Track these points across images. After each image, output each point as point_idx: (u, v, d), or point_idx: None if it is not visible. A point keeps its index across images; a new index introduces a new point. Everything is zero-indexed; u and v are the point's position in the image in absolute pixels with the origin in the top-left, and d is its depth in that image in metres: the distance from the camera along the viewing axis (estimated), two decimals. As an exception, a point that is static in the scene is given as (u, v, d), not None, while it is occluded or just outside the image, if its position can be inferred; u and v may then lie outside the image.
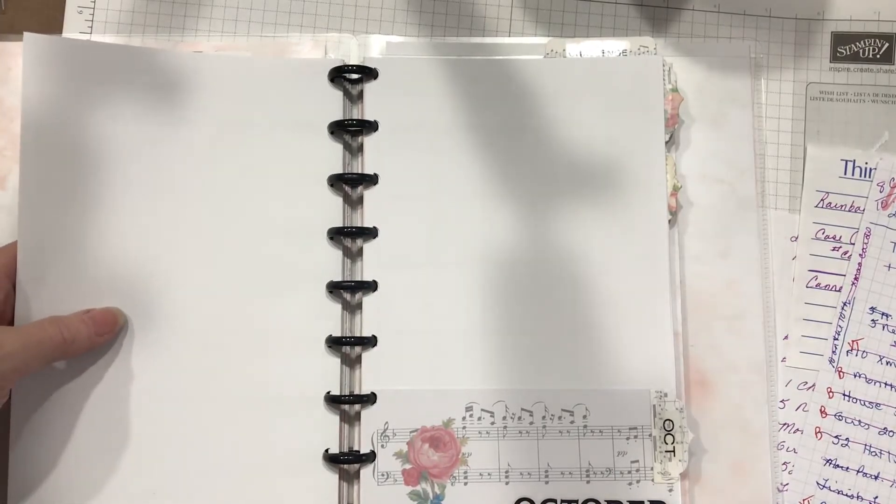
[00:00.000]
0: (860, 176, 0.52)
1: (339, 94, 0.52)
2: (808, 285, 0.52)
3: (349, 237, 0.51)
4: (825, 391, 0.51)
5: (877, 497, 0.49)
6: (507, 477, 0.49)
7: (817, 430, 0.50)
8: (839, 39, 0.54)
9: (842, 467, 0.50)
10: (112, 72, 0.51)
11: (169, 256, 0.50)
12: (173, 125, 0.51)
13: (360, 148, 0.52)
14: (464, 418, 0.49)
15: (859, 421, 0.50)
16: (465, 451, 0.49)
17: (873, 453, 0.50)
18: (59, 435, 0.48)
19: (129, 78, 0.51)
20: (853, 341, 0.51)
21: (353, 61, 0.53)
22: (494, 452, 0.49)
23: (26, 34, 0.50)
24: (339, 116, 0.52)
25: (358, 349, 0.50)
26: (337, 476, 0.49)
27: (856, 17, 0.54)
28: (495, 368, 0.49)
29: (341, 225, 0.51)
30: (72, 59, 0.50)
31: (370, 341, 0.50)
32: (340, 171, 0.51)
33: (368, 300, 0.50)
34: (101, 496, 0.48)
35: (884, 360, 0.51)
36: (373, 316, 0.50)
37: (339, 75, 0.52)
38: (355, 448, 0.49)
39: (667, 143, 0.52)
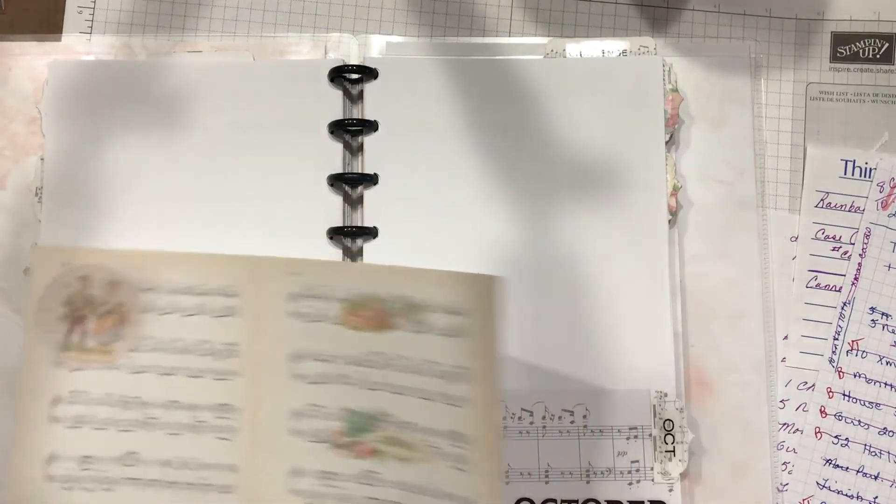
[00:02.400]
0: (860, 176, 0.52)
1: (339, 93, 0.52)
2: (808, 285, 0.52)
3: (349, 237, 0.51)
4: (825, 391, 0.51)
5: (877, 497, 0.49)
6: (507, 477, 0.49)
7: (817, 430, 0.50)
8: (839, 39, 0.54)
9: (842, 467, 0.50)
10: (119, 87, 0.52)
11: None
12: (177, 133, 0.51)
13: (361, 148, 0.52)
14: (464, 418, 0.49)
15: (859, 421, 0.50)
16: (465, 451, 0.49)
17: (873, 453, 0.50)
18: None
19: (135, 92, 0.52)
20: (853, 341, 0.51)
21: (353, 61, 0.53)
22: (494, 452, 0.49)
23: (53, 61, 0.52)
24: (339, 116, 0.52)
25: (358, 349, 0.50)
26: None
27: (856, 17, 0.54)
28: (495, 368, 0.50)
29: (341, 224, 0.51)
30: (85, 80, 0.52)
31: (370, 341, 0.50)
32: (340, 171, 0.51)
33: (368, 300, 0.50)
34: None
35: (884, 360, 0.51)
36: (373, 316, 0.50)
37: (339, 75, 0.52)
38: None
39: (667, 143, 0.52)
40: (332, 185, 0.51)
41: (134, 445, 0.44)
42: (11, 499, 0.44)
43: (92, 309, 0.45)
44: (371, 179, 0.51)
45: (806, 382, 0.51)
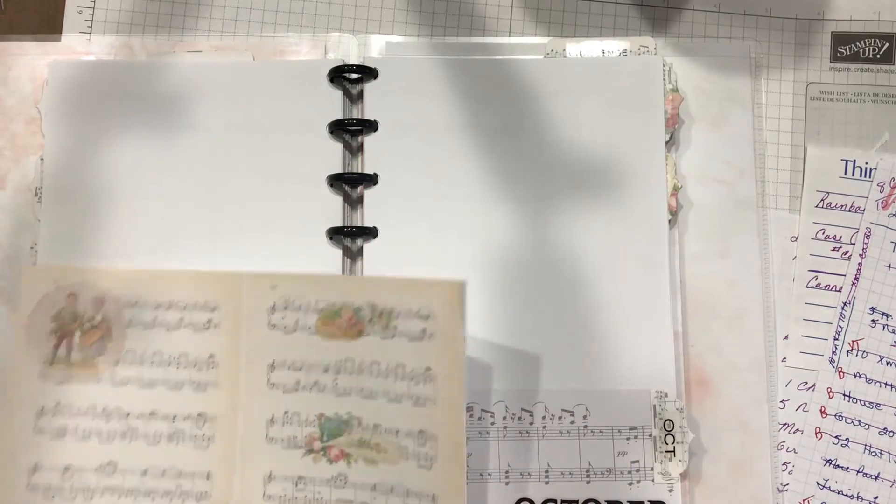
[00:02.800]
0: (860, 176, 0.52)
1: (338, 93, 0.52)
2: (809, 285, 0.52)
3: (349, 237, 0.51)
4: (825, 391, 0.51)
5: (877, 497, 0.49)
6: (507, 477, 0.49)
7: (817, 430, 0.50)
8: (839, 39, 0.54)
9: (842, 467, 0.50)
10: (119, 87, 0.52)
11: (173, 258, 0.50)
12: (177, 132, 0.51)
13: (360, 148, 0.52)
14: (464, 418, 0.49)
15: (859, 421, 0.50)
16: (464, 452, 0.49)
17: (873, 453, 0.50)
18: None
19: (135, 92, 0.52)
20: (853, 341, 0.51)
21: (353, 61, 0.53)
22: (494, 452, 0.49)
23: (52, 61, 0.52)
24: (338, 116, 0.52)
25: (358, 349, 0.50)
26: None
27: (856, 17, 0.54)
28: (495, 368, 0.49)
29: (341, 224, 0.51)
30: (85, 80, 0.52)
31: (370, 341, 0.50)
32: (340, 171, 0.51)
33: (368, 300, 0.50)
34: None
35: (884, 361, 0.51)
36: (373, 316, 0.50)
37: (339, 75, 0.52)
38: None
39: (667, 143, 0.52)
40: (331, 185, 0.51)
41: (114, 455, 0.46)
42: None
43: (78, 324, 0.47)
44: (371, 179, 0.51)
45: (806, 382, 0.51)
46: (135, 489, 0.46)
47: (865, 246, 0.52)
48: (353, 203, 0.52)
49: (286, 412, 0.45)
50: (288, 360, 0.45)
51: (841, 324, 0.51)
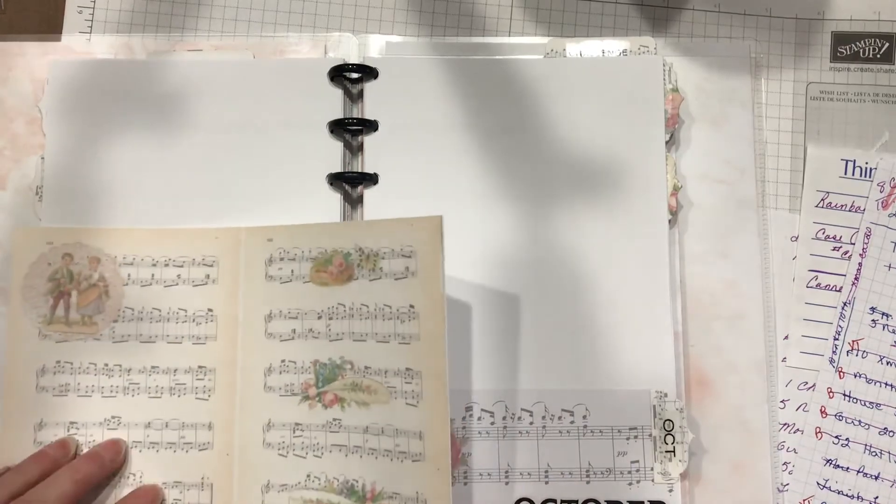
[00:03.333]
0: (860, 176, 0.52)
1: (339, 93, 0.52)
2: (809, 285, 0.52)
3: (349, 237, 0.51)
4: (825, 391, 0.51)
5: (877, 497, 0.49)
6: (507, 477, 0.49)
7: (817, 430, 0.50)
8: (839, 39, 0.54)
9: (842, 467, 0.50)
10: (120, 87, 0.52)
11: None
12: (177, 132, 0.52)
13: (361, 147, 0.52)
14: (464, 418, 0.49)
15: (859, 421, 0.50)
16: (464, 451, 0.49)
17: (873, 453, 0.50)
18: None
19: (135, 91, 0.52)
20: (853, 341, 0.51)
21: (354, 61, 0.53)
22: (494, 452, 0.49)
23: (53, 61, 0.52)
24: (339, 115, 0.52)
25: (358, 349, 0.50)
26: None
27: (856, 17, 0.54)
28: (495, 368, 0.49)
29: (341, 224, 0.51)
30: (85, 80, 0.52)
31: (370, 341, 0.50)
32: (340, 170, 0.51)
33: (368, 300, 0.50)
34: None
35: (884, 361, 0.51)
36: (372, 315, 0.50)
37: (339, 74, 0.52)
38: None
39: (667, 143, 0.52)
40: (332, 184, 0.51)
41: (117, 409, 0.47)
42: (4, 463, 0.47)
43: (75, 284, 0.48)
44: (371, 179, 0.51)
45: (806, 382, 0.51)
46: (140, 441, 0.47)
47: (865, 246, 0.52)
48: (354, 202, 0.52)
49: (283, 361, 0.46)
50: (284, 309, 0.46)
51: (841, 324, 0.51)
